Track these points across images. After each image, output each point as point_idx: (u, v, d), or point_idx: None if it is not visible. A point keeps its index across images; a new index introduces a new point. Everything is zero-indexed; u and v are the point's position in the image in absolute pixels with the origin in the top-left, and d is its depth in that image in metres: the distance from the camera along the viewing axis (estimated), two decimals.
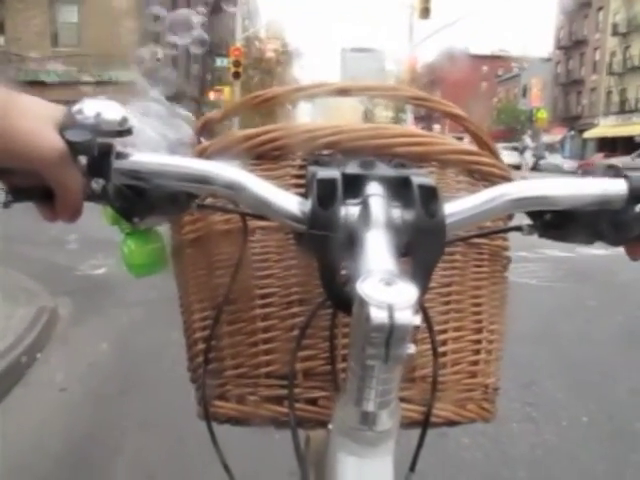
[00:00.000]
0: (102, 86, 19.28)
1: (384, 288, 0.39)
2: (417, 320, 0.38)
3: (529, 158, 22.13)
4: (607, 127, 37.46)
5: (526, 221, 0.56)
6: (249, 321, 0.62)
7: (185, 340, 0.69)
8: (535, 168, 31.35)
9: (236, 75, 19.54)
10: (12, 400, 2.69)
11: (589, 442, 2.35)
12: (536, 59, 50.06)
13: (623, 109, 36.90)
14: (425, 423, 0.60)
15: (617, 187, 0.51)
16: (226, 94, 24.62)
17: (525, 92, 47.36)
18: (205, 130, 0.69)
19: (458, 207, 0.50)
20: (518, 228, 0.59)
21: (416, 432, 0.62)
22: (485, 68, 50.22)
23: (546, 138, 37.62)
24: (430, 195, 0.48)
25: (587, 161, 22.76)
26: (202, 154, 0.61)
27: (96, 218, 0.63)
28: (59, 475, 2.12)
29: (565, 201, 0.52)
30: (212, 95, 26.25)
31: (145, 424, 2.45)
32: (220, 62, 26.04)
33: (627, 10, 36.45)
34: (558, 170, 25.67)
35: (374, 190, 0.49)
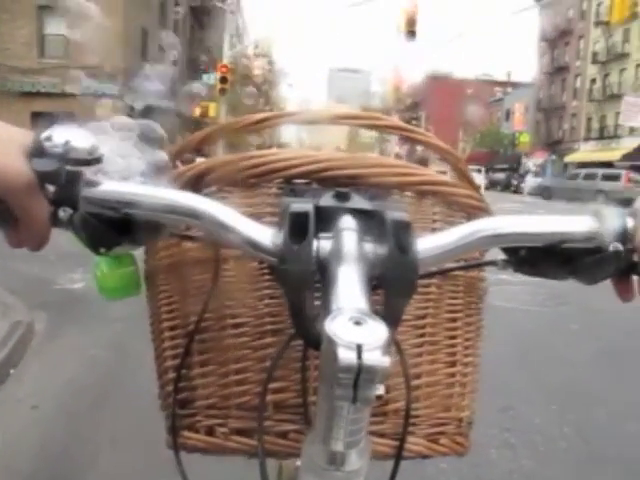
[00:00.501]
0: (88, 99, 19.20)
1: (353, 327, 0.39)
2: (386, 361, 0.37)
3: (530, 181, 22.54)
4: (587, 152, 38.07)
5: (501, 256, 0.56)
6: (221, 351, 0.61)
7: (156, 367, 0.68)
8: (517, 191, 31.80)
9: (222, 91, 19.60)
10: None
11: (566, 467, 2.35)
12: (520, 83, 50.93)
13: (602, 135, 37.58)
14: (397, 457, 0.59)
15: (589, 224, 0.51)
16: (211, 110, 24.66)
17: (508, 116, 48.10)
18: (183, 153, 0.68)
19: (432, 243, 0.50)
20: (492, 263, 0.59)
21: (390, 462, 0.61)
22: (470, 91, 50.94)
23: (527, 162, 38.11)
24: (404, 231, 0.47)
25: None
26: (177, 180, 0.60)
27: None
28: None
29: (539, 238, 0.52)
30: (197, 111, 26.28)
31: (118, 441, 2.41)
32: (207, 78, 26.11)
33: (606, 39, 37.32)
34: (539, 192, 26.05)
35: (347, 224, 0.49)
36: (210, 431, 0.62)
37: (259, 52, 36.74)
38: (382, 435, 0.61)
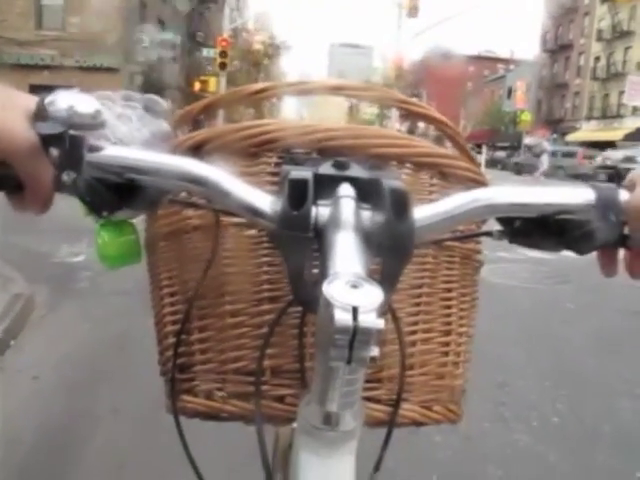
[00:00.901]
0: (86, 72, 19.04)
1: (350, 290, 0.39)
2: (381, 323, 0.38)
3: (545, 162, 22.82)
4: (589, 131, 37.90)
5: (497, 226, 0.57)
6: (219, 317, 0.62)
7: (156, 333, 0.69)
8: (519, 171, 31.78)
9: (222, 66, 19.43)
10: None
11: (558, 442, 2.39)
12: (522, 61, 50.44)
13: (605, 114, 37.36)
14: (391, 424, 0.61)
15: (585, 196, 0.52)
16: (211, 85, 24.45)
17: (510, 94, 47.74)
18: (183, 123, 0.69)
19: (428, 212, 0.51)
20: (488, 233, 0.59)
21: (383, 431, 0.63)
22: (471, 69, 50.50)
23: (529, 140, 37.97)
24: (401, 199, 0.48)
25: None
26: (177, 148, 0.61)
27: (75, 205, 0.63)
28: (31, 463, 2.10)
29: (534, 209, 0.53)
30: (197, 85, 26.06)
31: (117, 412, 2.44)
32: (207, 52, 25.83)
33: (612, 17, 36.88)
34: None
35: (346, 192, 0.50)
36: (209, 395, 0.63)
37: (259, 26, 36.35)
38: (377, 401, 0.62)
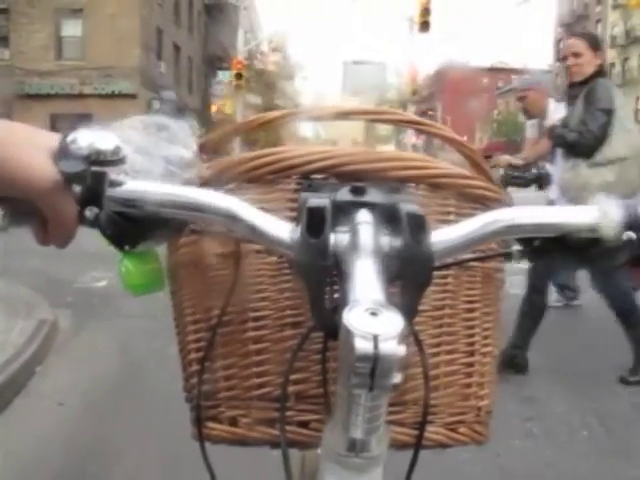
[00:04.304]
0: (105, 99, 19.38)
1: (370, 318, 0.40)
2: (402, 350, 0.38)
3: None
4: None
5: (516, 247, 0.57)
6: (242, 343, 0.63)
7: (180, 360, 0.70)
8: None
9: (238, 88, 19.67)
10: (11, 414, 2.69)
11: (588, 457, 2.34)
12: (537, 71, 50.27)
13: None
14: (417, 447, 0.60)
15: (605, 215, 0.52)
16: (228, 107, 24.74)
17: None
18: (202, 152, 0.70)
19: (447, 235, 0.51)
20: (508, 254, 0.59)
21: (410, 451, 0.62)
22: (485, 80, 50.45)
23: None
24: (418, 223, 0.48)
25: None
26: (198, 178, 0.62)
27: (97, 232, 0.65)
28: None
29: (554, 228, 0.53)
30: (214, 108, 26.37)
31: (144, 438, 2.45)
32: (222, 75, 26.19)
33: (625, 22, 36.67)
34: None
35: (363, 218, 0.50)
36: (233, 422, 0.63)
37: (273, 47, 36.76)
38: (402, 424, 0.62)
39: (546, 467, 2.27)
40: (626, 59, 37.25)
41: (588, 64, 3.19)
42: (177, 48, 25.89)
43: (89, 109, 17.20)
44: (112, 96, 20.41)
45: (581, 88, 3.18)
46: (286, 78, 36.71)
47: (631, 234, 0.50)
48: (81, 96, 20.15)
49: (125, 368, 3.26)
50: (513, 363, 3.09)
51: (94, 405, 2.79)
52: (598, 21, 40.70)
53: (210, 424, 0.64)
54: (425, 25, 16.50)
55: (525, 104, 4.16)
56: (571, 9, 43.45)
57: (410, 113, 0.73)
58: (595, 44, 3.33)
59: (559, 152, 3.44)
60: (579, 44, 3.27)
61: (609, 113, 2.95)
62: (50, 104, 19.70)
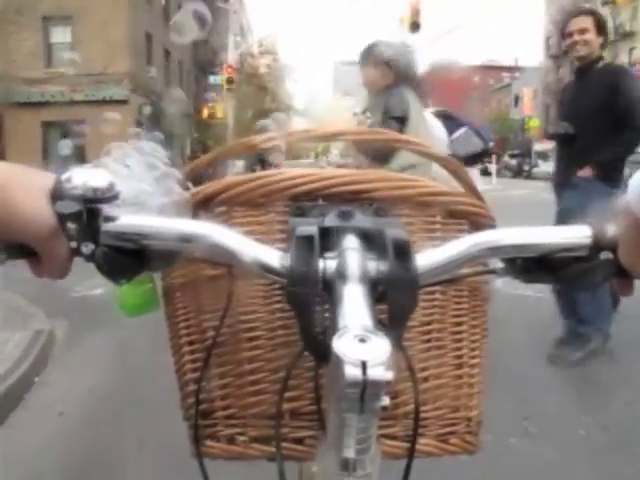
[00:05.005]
0: (96, 105, 19.34)
1: (358, 345, 0.42)
2: (390, 375, 0.40)
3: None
4: None
5: (500, 264, 0.59)
6: (237, 363, 0.65)
7: (177, 380, 0.71)
8: (529, 176, 31.77)
9: (229, 92, 19.68)
10: (11, 425, 2.69)
11: (585, 455, 2.36)
12: (527, 68, 50.46)
13: None
14: (409, 459, 0.62)
15: (582, 234, 0.54)
16: (219, 111, 24.74)
17: (517, 101, 47.72)
18: (192, 175, 0.72)
19: (431, 258, 0.53)
20: (492, 271, 0.61)
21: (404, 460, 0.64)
22: (476, 78, 50.63)
23: (538, 146, 37.85)
24: (403, 249, 0.50)
25: None
26: (188, 203, 0.64)
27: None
28: None
29: (534, 249, 0.55)
30: (205, 112, 26.34)
31: (144, 446, 2.46)
32: (213, 79, 26.18)
33: (614, 19, 36.85)
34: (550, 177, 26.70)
35: (351, 244, 0.52)
36: (231, 440, 0.65)
37: (264, 50, 36.79)
38: (394, 437, 0.64)
39: (543, 465, 2.29)
40: (616, 55, 37.42)
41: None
42: (167, 52, 25.85)
43: (80, 116, 17.16)
44: (103, 102, 20.36)
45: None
46: (277, 81, 36.73)
47: (608, 254, 0.52)
48: (72, 103, 20.10)
49: (123, 377, 3.26)
50: None
51: (94, 414, 2.80)
52: None
53: (208, 442, 0.66)
54: (415, 26, 16.55)
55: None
56: (560, 5, 43.61)
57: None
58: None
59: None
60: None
61: None
62: (41, 111, 19.63)
